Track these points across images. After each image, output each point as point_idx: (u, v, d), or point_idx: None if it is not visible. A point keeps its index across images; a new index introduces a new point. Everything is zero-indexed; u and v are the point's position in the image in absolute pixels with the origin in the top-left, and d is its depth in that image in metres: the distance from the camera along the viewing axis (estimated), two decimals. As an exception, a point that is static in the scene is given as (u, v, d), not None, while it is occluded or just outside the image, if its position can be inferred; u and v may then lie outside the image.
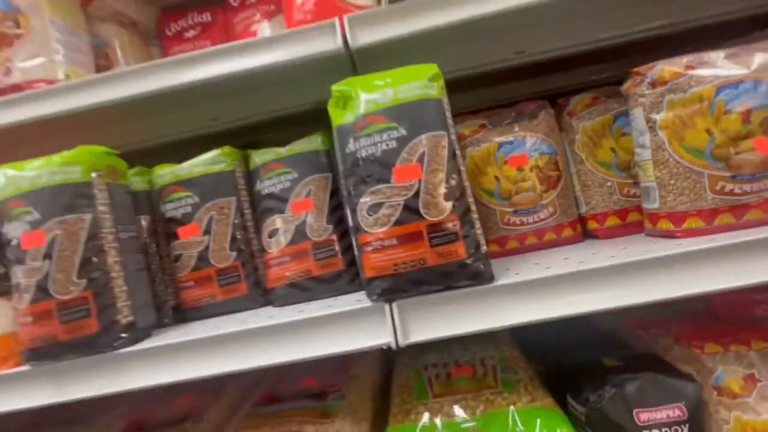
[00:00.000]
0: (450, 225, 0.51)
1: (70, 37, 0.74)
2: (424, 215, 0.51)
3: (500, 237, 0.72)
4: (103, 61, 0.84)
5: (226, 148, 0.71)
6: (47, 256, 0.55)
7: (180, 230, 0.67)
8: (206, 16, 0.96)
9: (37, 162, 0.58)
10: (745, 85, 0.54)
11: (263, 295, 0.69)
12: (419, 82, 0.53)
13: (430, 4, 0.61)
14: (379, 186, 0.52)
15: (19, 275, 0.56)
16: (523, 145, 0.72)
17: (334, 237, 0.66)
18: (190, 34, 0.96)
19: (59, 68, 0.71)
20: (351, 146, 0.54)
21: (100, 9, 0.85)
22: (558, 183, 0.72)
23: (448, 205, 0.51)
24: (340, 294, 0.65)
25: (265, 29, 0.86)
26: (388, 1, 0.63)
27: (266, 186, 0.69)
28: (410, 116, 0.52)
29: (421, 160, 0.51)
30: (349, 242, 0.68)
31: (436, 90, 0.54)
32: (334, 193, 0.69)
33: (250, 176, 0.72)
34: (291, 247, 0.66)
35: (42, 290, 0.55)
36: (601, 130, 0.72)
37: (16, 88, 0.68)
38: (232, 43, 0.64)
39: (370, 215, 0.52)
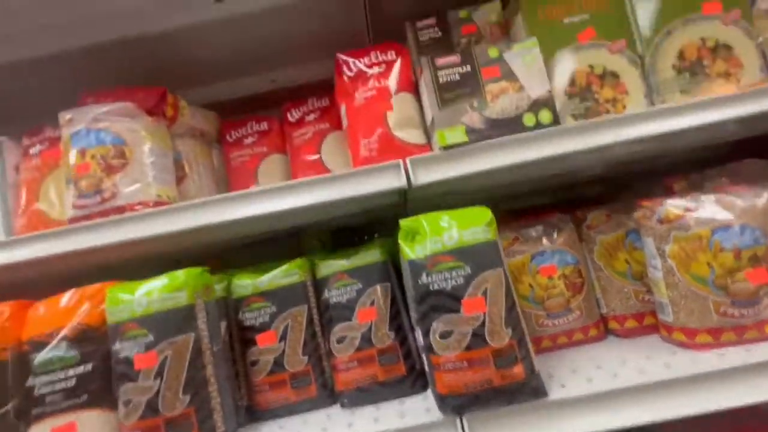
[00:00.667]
0: (510, 350, 0.61)
1: (161, 159, 0.86)
2: (489, 342, 0.61)
3: (536, 337, 0.83)
4: (180, 173, 0.95)
5: (298, 261, 0.81)
6: (158, 375, 0.63)
7: (258, 337, 0.76)
8: (264, 125, 1.10)
9: (149, 286, 0.67)
10: (733, 228, 0.68)
11: (330, 396, 0.77)
12: (479, 227, 0.66)
13: (478, 152, 0.75)
14: (450, 315, 0.62)
15: (129, 393, 0.63)
16: (552, 257, 0.84)
17: (396, 344, 0.75)
18: (249, 140, 1.10)
19: (153, 189, 0.82)
20: (424, 279, 0.65)
21: (179, 127, 0.98)
22: (582, 288, 0.84)
23: (508, 332, 0.62)
24: (402, 397, 0.74)
25: (320, 147, 1.00)
26: (441, 148, 0.77)
27: (334, 295, 0.78)
28: (473, 257, 0.64)
29: (484, 294, 0.62)
30: (408, 349, 0.77)
31: (491, 233, 0.66)
32: (393, 302, 0.79)
33: (317, 285, 0.82)
34: (358, 353, 0.75)
35: (151, 408, 0.62)
36: (616, 243, 0.85)
37: (120, 210, 0.78)
38: (311, 177, 0.75)
39: (442, 340, 0.62)
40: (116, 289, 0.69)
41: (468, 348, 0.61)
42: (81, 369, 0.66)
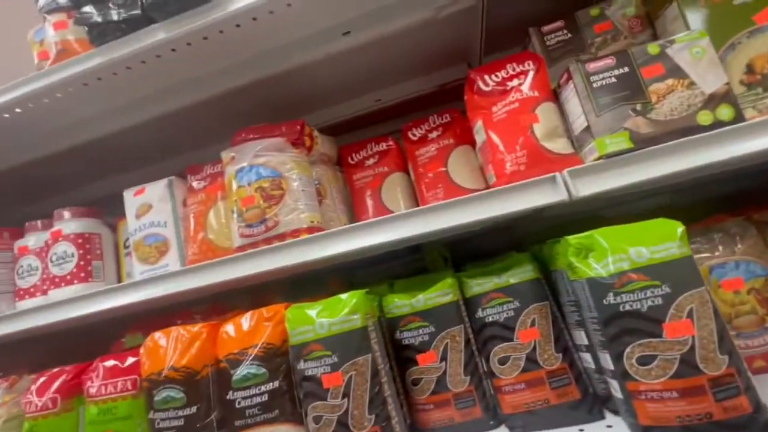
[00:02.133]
0: (730, 379, 0.54)
1: (308, 188, 0.93)
2: (703, 369, 0.55)
3: (723, 360, 0.73)
4: (319, 197, 1.02)
5: (449, 280, 0.81)
6: (345, 394, 0.66)
7: (419, 357, 0.77)
8: (383, 146, 1.14)
9: (325, 310, 0.72)
10: None
11: (493, 418, 0.75)
12: (672, 242, 0.60)
13: (645, 159, 0.69)
14: (649, 339, 0.58)
15: (319, 409, 0.67)
16: (735, 268, 0.74)
17: (566, 366, 0.72)
18: (370, 161, 1.14)
19: (305, 216, 0.89)
20: (611, 299, 0.61)
21: (314, 155, 1.05)
22: (779, 304, 0.73)
23: (724, 359, 0.55)
24: (580, 423, 0.69)
25: (447, 163, 1.01)
26: (600, 157, 0.72)
27: (489, 314, 0.77)
28: (671, 275, 0.58)
29: (690, 316, 0.57)
30: (578, 371, 0.73)
31: (687, 248, 0.60)
32: (554, 321, 0.75)
33: (468, 303, 0.81)
34: (525, 374, 0.72)
35: (342, 424, 0.66)
36: (819, 250, 0.73)
37: (281, 237, 0.86)
38: (466, 197, 0.75)
39: (641, 366, 0.58)
40: (296, 312, 0.74)
41: (676, 375, 0.56)
42: (270, 385, 0.73)
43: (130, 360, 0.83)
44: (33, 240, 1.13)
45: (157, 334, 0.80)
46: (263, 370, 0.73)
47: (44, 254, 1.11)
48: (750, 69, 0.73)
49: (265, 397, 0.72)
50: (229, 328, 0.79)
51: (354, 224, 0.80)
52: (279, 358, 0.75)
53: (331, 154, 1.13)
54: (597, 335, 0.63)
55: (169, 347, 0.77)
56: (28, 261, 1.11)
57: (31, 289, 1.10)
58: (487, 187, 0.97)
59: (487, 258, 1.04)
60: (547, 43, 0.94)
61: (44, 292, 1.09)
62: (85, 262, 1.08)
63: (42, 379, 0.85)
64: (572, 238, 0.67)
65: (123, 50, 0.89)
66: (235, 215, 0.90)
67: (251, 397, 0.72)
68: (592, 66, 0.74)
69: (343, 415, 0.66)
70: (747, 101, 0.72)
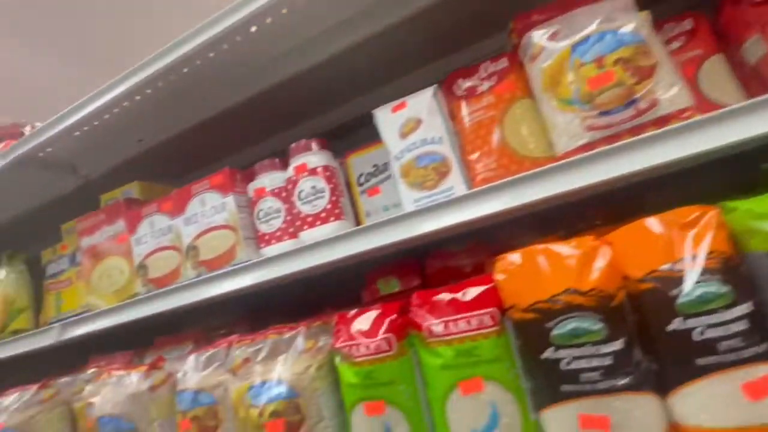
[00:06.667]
0: None
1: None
2: None
3: None
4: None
5: None
6: None
7: None
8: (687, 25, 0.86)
9: None
10: None
11: None
12: None
13: None
14: None
15: None
16: None
17: None
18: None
19: (685, 93, 0.65)
20: None
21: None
22: None
23: None
24: None
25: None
26: None
27: None
28: None
29: None
30: None
31: None
32: None
33: None
34: None
35: None
36: None
37: (661, 121, 0.63)
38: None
39: None
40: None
41: None
42: (746, 308, 0.51)
43: (475, 291, 0.66)
44: (267, 180, 1.02)
45: (520, 256, 0.62)
46: (726, 287, 0.52)
47: (285, 194, 0.99)
48: None
49: (745, 325, 0.50)
50: (639, 237, 0.58)
51: None
52: (738, 269, 0.53)
53: None
54: None
55: (559, 267, 0.58)
56: (268, 203, 1.00)
57: (278, 233, 0.98)
58: None
59: None
60: None
61: (292, 235, 0.97)
62: (336, 198, 0.94)
63: (361, 319, 0.72)
64: None
65: None
66: (575, 104, 0.68)
67: (719, 326, 0.51)
68: None
69: None
70: None
